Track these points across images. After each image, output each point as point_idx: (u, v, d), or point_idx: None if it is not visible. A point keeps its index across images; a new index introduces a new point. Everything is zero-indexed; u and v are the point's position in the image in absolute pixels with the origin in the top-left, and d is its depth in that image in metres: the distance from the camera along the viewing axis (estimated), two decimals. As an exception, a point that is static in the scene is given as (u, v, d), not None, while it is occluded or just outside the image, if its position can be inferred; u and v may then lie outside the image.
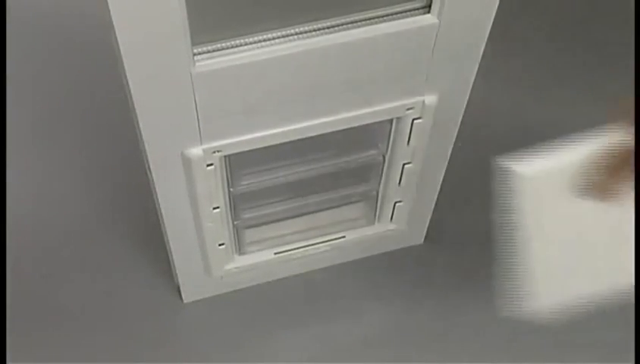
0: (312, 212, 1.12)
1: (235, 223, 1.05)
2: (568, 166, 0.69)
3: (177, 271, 1.12)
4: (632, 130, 0.60)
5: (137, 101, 0.77)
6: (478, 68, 0.89)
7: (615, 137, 0.63)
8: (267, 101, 0.83)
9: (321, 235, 1.14)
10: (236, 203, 1.02)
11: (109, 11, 0.66)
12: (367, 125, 0.91)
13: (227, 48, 0.76)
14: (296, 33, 0.78)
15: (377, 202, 1.12)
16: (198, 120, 0.82)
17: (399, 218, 1.13)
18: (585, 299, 0.88)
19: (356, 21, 0.79)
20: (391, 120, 0.94)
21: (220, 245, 1.05)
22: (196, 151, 0.86)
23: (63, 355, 1.14)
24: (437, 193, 1.14)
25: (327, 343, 1.16)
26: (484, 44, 0.86)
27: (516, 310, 0.88)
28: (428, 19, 0.80)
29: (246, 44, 0.77)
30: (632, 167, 0.62)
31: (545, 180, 0.71)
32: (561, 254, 0.82)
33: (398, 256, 1.25)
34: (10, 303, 1.11)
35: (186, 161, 0.87)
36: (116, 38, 0.69)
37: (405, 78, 0.86)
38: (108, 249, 1.25)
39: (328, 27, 0.79)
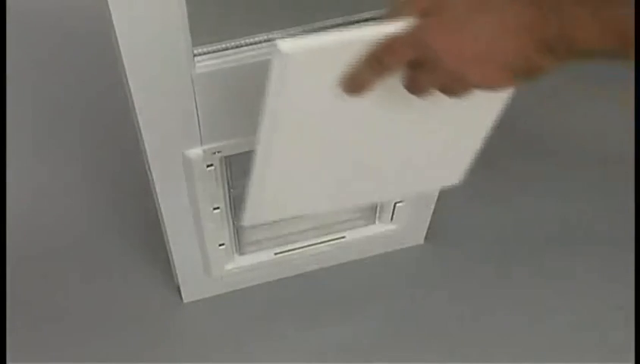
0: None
1: (235, 223, 1.05)
2: (337, 50, 0.58)
3: (177, 271, 1.12)
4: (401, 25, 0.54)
5: (137, 101, 0.77)
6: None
7: (386, 29, 0.56)
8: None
9: (321, 235, 1.14)
10: (237, 203, 1.02)
11: (110, 12, 0.66)
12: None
13: (228, 49, 0.76)
14: (295, 35, 0.78)
15: (377, 202, 1.12)
16: (198, 120, 0.82)
17: (399, 218, 1.13)
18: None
19: (356, 22, 0.79)
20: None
21: (220, 245, 1.05)
22: (196, 151, 0.86)
23: (63, 355, 1.14)
24: (437, 193, 1.14)
25: (327, 343, 1.16)
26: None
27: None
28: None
29: (246, 45, 0.77)
30: (392, 60, 0.56)
31: (310, 62, 0.59)
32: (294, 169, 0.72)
33: (398, 256, 1.25)
34: (10, 303, 1.11)
35: (187, 162, 0.87)
36: (116, 38, 0.69)
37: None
38: (107, 250, 1.25)
39: (329, 28, 0.78)
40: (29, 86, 1.47)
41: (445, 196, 1.16)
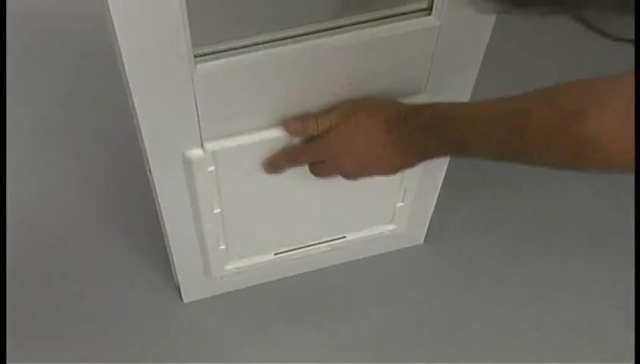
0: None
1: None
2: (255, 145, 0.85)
3: (177, 271, 1.12)
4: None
5: (138, 102, 0.77)
6: (480, 68, 0.89)
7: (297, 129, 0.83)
8: (268, 102, 0.83)
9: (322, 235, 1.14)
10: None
11: (109, 12, 0.66)
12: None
13: (228, 50, 0.76)
14: (297, 35, 0.78)
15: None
16: (199, 121, 0.82)
17: (399, 218, 1.13)
18: None
19: (357, 23, 0.79)
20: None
21: (220, 245, 1.05)
22: (196, 152, 0.86)
23: (63, 355, 1.14)
24: (437, 193, 1.14)
25: (327, 343, 1.16)
26: (485, 46, 0.86)
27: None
28: (429, 21, 0.80)
29: (246, 46, 0.77)
30: (304, 159, 0.86)
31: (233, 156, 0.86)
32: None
33: (398, 256, 1.25)
34: (10, 303, 1.11)
35: (187, 162, 0.87)
36: (116, 38, 0.69)
37: (406, 79, 0.86)
38: (108, 250, 1.25)
39: (329, 29, 0.78)
40: (29, 86, 1.47)
41: (445, 197, 1.16)
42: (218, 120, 0.83)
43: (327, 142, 0.81)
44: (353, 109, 0.81)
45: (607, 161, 0.55)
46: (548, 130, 0.59)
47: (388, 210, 1.12)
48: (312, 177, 0.89)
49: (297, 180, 0.91)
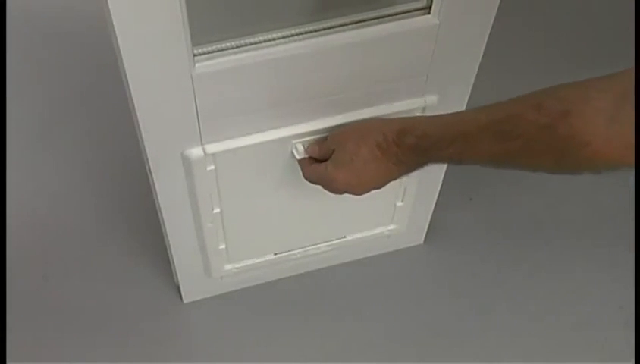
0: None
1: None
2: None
3: (177, 271, 1.12)
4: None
5: (137, 102, 0.77)
6: (479, 68, 0.89)
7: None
8: (267, 102, 0.83)
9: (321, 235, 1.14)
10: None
11: (109, 12, 0.66)
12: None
13: (228, 49, 0.76)
14: (296, 34, 0.78)
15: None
16: (198, 121, 0.82)
17: (399, 218, 1.13)
18: None
19: (356, 22, 0.79)
20: (391, 121, 0.94)
21: (220, 245, 1.05)
22: (196, 151, 0.86)
23: (63, 355, 1.14)
24: (437, 193, 1.14)
25: (327, 343, 1.16)
26: (484, 44, 0.86)
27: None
28: (429, 20, 0.80)
29: (246, 45, 0.77)
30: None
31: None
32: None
33: (398, 256, 1.25)
34: (10, 303, 1.11)
35: (187, 162, 0.87)
36: (116, 38, 0.69)
37: (405, 78, 0.86)
38: (108, 250, 1.25)
39: (328, 28, 0.79)
40: (29, 86, 1.47)
41: (445, 197, 1.16)
42: (218, 119, 0.83)
43: (330, 175, 0.83)
44: (340, 142, 0.83)
45: (593, 158, 0.56)
46: (537, 132, 0.59)
47: (388, 210, 1.12)
48: (309, 195, 0.91)
49: (297, 179, 0.91)
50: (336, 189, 0.84)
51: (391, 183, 1.00)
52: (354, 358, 1.15)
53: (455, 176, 1.11)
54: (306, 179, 0.88)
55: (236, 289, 1.20)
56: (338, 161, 0.82)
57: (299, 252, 1.13)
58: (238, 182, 0.94)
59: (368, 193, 0.83)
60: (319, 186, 0.86)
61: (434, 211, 1.19)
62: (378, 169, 0.79)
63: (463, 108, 0.95)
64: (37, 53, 1.53)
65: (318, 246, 1.13)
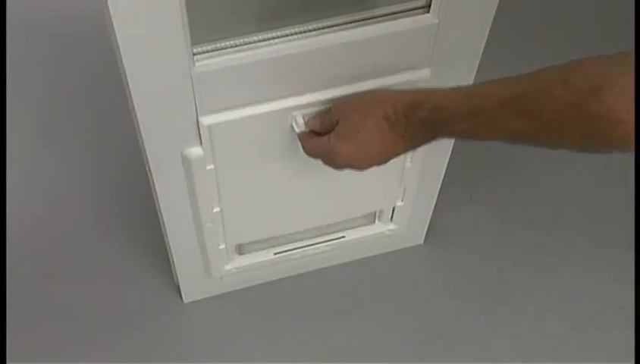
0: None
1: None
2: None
3: (177, 271, 1.12)
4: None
5: (137, 101, 0.77)
6: (479, 65, 0.89)
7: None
8: (267, 101, 0.83)
9: (321, 235, 1.14)
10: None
11: (109, 12, 0.66)
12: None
13: (227, 47, 0.76)
14: (295, 33, 0.78)
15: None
16: (197, 120, 0.82)
17: (399, 218, 1.13)
18: None
19: (356, 21, 0.79)
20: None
21: (220, 245, 1.05)
22: (195, 151, 0.86)
23: (63, 355, 1.14)
24: (437, 193, 1.14)
25: (327, 343, 1.16)
26: (483, 43, 0.86)
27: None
28: (428, 18, 0.80)
29: (245, 44, 0.77)
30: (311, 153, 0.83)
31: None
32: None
33: (398, 256, 1.25)
34: (10, 303, 1.11)
35: (186, 162, 0.87)
36: (116, 39, 0.69)
37: (405, 77, 0.86)
38: (108, 250, 1.25)
39: (328, 27, 0.79)
40: (29, 85, 1.47)
41: (445, 196, 1.16)
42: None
43: (332, 148, 0.79)
44: (345, 113, 0.79)
45: (625, 137, 0.54)
46: (564, 109, 0.57)
47: (388, 210, 1.12)
48: (310, 174, 0.87)
49: (296, 177, 0.90)
50: (338, 163, 0.80)
51: (392, 183, 0.99)
52: (354, 358, 1.15)
53: (455, 176, 1.11)
54: (306, 153, 0.83)
55: (236, 289, 1.20)
56: (342, 133, 0.78)
57: (298, 252, 1.13)
58: (238, 179, 0.93)
59: (369, 171, 0.79)
60: (319, 162, 0.81)
61: (434, 211, 1.19)
62: (383, 142, 0.75)
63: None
64: (37, 53, 1.53)
65: (318, 245, 1.13)
